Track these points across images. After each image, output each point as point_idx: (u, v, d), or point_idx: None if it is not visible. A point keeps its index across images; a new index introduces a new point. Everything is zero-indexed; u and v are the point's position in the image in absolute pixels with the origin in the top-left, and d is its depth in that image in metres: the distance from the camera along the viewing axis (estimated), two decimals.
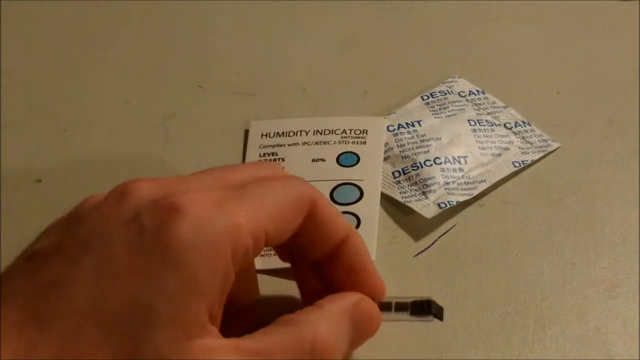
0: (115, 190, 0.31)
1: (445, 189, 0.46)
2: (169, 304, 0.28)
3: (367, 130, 0.49)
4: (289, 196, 0.33)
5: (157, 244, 0.29)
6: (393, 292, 0.42)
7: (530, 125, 0.50)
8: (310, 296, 0.35)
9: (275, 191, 0.33)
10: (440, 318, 0.37)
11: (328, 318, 0.33)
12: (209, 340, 0.29)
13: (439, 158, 0.47)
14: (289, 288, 0.39)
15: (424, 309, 0.37)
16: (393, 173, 0.47)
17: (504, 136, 0.49)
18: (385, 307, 0.36)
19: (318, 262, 0.36)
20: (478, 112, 0.50)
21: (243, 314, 0.35)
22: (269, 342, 0.31)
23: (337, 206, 0.45)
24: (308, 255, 0.36)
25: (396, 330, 0.40)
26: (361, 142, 0.48)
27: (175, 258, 0.29)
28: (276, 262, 0.39)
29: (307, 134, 0.49)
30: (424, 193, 0.46)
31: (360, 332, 0.34)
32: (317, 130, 0.49)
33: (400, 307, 0.37)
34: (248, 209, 0.31)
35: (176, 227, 0.29)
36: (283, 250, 0.37)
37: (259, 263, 0.40)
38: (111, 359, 0.28)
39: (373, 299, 0.36)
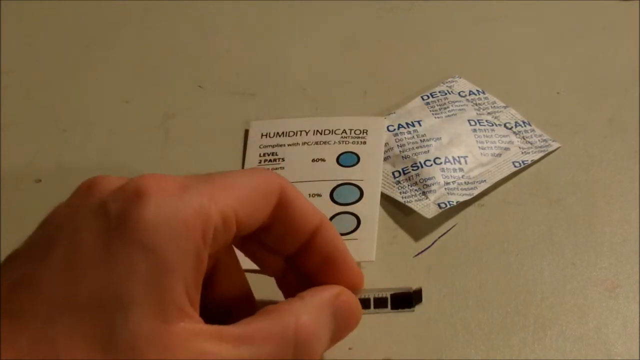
0: (81, 186, 0.32)
1: (445, 189, 0.46)
2: (141, 286, 0.28)
3: (367, 130, 0.49)
4: (257, 182, 0.33)
5: (123, 228, 0.29)
6: None
7: (530, 125, 0.50)
8: (292, 294, 0.35)
9: (242, 178, 0.33)
10: (420, 299, 0.37)
11: (310, 308, 0.32)
12: (189, 324, 0.29)
13: (439, 158, 0.47)
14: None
15: (405, 301, 0.37)
16: (393, 173, 0.47)
17: (504, 136, 0.49)
18: (363, 304, 0.36)
19: (293, 256, 0.36)
20: (478, 112, 0.50)
21: (236, 313, 0.35)
22: (253, 329, 0.31)
23: (337, 206, 0.45)
24: (282, 249, 0.36)
25: (396, 330, 0.40)
26: (361, 142, 0.48)
27: (143, 240, 0.28)
28: None
29: (307, 134, 0.49)
30: (424, 193, 0.46)
31: (342, 325, 0.34)
32: (317, 130, 0.49)
33: (380, 302, 0.37)
34: (215, 190, 0.31)
35: (141, 210, 0.29)
36: (257, 246, 0.36)
37: (251, 263, 0.40)
38: (86, 345, 0.27)
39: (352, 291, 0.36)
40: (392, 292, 0.37)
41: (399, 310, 0.37)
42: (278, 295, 0.38)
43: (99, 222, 0.29)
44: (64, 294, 0.28)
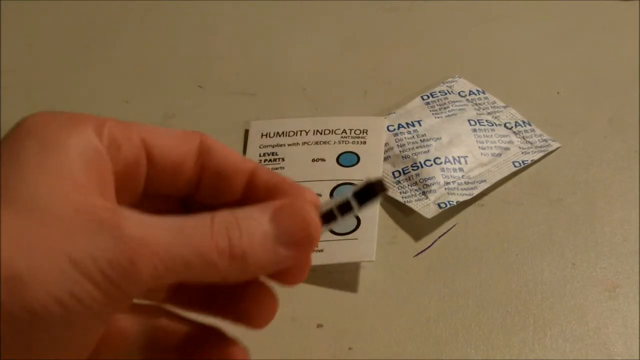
0: None
1: (445, 189, 0.46)
2: (32, 157, 0.29)
3: (367, 130, 0.49)
4: (171, 130, 0.34)
5: (19, 130, 0.31)
6: (393, 291, 0.42)
7: (530, 125, 0.50)
8: None
9: (158, 126, 0.34)
10: (383, 188, 0.32)
11: (241, 209, 0.31)
12: (103, 201, 0.29)
13: (439, 158, 0.47)
14: None
15: (368, 193, 0.34)
16: (393, 173, 0.47)
17: (504, 136, 0.49)
18: (328, 217, 0.33)
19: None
20: (478, 112, 0.50)
21: None
22: (182, 218, 0.30)
23: None
24: (224, 203, 0.35)
25: (396, 330, 0.40)
26: (361, 142, 0.48)
27: (31, 131, 0.30)
28: None
29: (307, 134, 0.49)
30: (424, 193, 0.46)
31: (289, 232, 0.32)
32: (317, 130, 0.49)
33: (345, 207, 0.34)
34: (119, 121, 0.33)
35: (36, 115, 0.31)
36: (200, 209, 0.36)
37: None
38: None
39: None
40: (352, 192, 0.33)
41: (367, 204, 0.32)
42: None
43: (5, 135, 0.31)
44: None
